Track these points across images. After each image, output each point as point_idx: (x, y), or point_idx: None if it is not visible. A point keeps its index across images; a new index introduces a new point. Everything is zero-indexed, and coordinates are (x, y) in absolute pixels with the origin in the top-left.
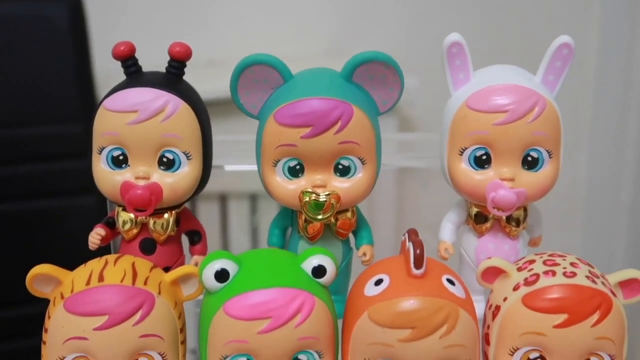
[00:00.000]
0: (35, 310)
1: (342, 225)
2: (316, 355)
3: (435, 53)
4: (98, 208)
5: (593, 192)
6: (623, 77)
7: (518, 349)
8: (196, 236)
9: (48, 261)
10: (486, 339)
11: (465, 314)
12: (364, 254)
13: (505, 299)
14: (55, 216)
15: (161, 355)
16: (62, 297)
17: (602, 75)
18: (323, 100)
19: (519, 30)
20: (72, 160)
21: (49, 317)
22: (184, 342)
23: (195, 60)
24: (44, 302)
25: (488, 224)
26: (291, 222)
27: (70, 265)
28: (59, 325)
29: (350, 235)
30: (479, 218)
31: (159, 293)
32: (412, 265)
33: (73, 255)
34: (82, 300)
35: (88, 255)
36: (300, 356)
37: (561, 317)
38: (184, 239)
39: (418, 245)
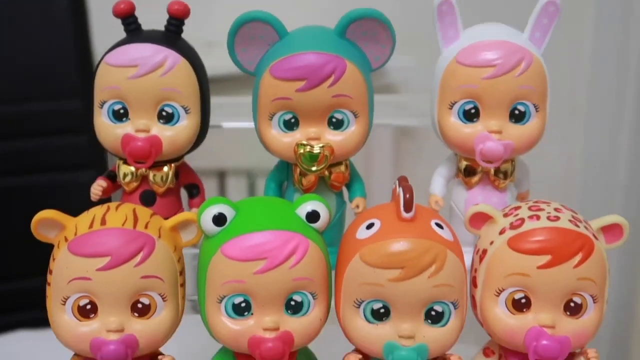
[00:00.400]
0: (37, 284)
1: (336, 178)
2: (310, 297)
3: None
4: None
5: (588, 172)
6: (619, 57)
7: (504, 289)
8: (195, 189)
9: None
10: (473, 282)
11: (452, 255)
12: (357, 206)
13: (491, 243)
14: (55, 191)
15: (161, 296)
16: (66, 240)
17: (599, 51)
18: (317, 54)
19: None
20: (71, 136)
21: (54, 259)
22: (183, 284)
23: (195, 42)
24: (44, 276)
25: (477, 177)
26: (287, 176)
27: None
28: (63, 267)
29: (344, 190)
30: (468, 171)
31: (159, 237)
32: (402, 208)
33: None
34: (86, 242)
35: None
36: (294, 297)
37: (545, 259)
38: (184, 194)
39: (408, 190)
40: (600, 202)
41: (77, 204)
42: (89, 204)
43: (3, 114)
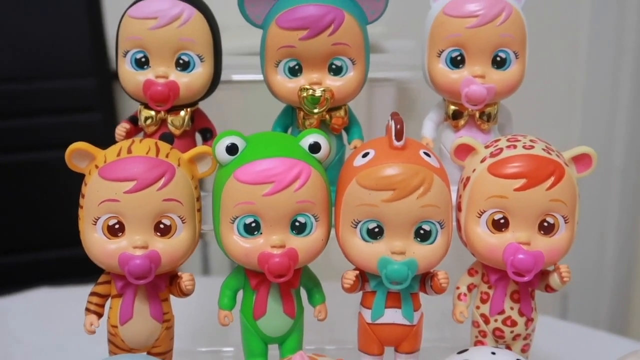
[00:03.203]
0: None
1: (335, 121)
2: (313, 218)
3: None
4: None
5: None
6: (615, 44)
7: (484, 211)
8: (209, 133)
9: (64, 209)
10: (458, 207)
11: (438, 179)
12: (355, 147)
13: (474, 170)
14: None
15: (181, 218)
16: (97, 167)
17: (595, 42)
18: (318, 6)
19: None
20: (85, 114)
21: (86, 184)
22: (199, 210)
23: None
24: (58, 249)
25: (463, 120)
26: (291, 120)
27: None
28: (95, 190)
29: (344, 133)
30: (455, 115)
31: (179, 165)
32: (393, 137)
33: None
34: (114, 168)
35: None
36: (299, 218)
37: (520, 182)
38: (198, 138)
39: (399, 121)
40: (597, 186)
41: None
42: None
43: (18, 91)
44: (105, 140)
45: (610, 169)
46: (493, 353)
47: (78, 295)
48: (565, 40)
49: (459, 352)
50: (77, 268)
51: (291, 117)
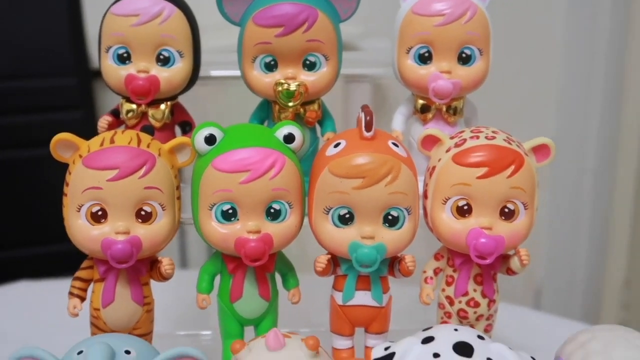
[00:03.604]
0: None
1: (309, 115)
2: (287, 205)
3: None
4: None
5: (559, 157)
6: (589, 45)
7: (449, 198)
8: (188, 126)
9: (46, 206)
10: (425, 195)
11: (406, 168)
12: (328, 139)
13: (439, 160)
14: (50, 163)
15: (161, 205)
16: (81, 156)
17: (570, 38)
18: (293, 4)
19: None
20: (67, 112)
21: (70, 173)
22: (179, 198)
23: None
24: (40, 246)
25: (431, 114)
26: (267, 114)
27: None
28: (79, 178)
29: (317, 127)
30: (423, 108)
31: (159, 155)
32: (363, 128)
33: None
34: (98, 157)
35: None
36: (274, 205)
37: (483, 170)
38: (178, 132)
39: (368, 113)
40: (570, 185)
41: None
42: None
43: (2, 89)
44: (86, 137)
45: (584, 169)
46: (456, 329)
47: (58, 287)
48: (540, 42)
49: (424, 330)
50: (62, 264)
51: (267, 111)
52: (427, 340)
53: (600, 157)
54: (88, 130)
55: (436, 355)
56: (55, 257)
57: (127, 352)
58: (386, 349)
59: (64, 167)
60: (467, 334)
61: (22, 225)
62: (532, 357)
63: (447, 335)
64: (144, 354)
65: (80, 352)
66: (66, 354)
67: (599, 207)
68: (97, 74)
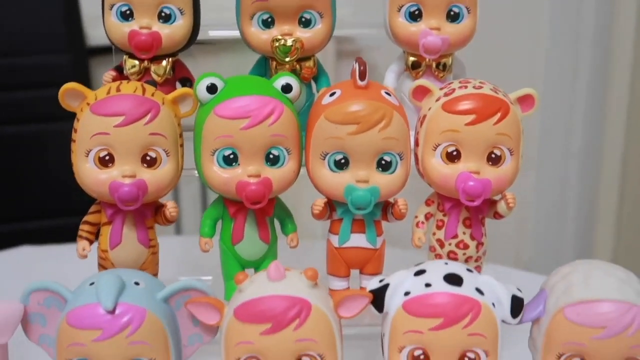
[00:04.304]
0: (30, 226)
1: (305, 71)
2: (285, 151)
3: None
4: None
5: (545, 142)
6: (574, 32)
7: (439, 144)
8: (188, 82)
9: (41, 180)
10: (416, 142)
11: (398, 115)
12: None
13: (429, 109)
14: (46, 139)
15: (165, 151)
16: (88, 104)
17: (556, 24)
18: None
19: None
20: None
21: (78, 120)
22: (182, 145)
23: None
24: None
25: (421, 70)
26: (264, 70)
27: (65, 182)
28: (87, 125)
29: (313, 84)
30: (414, 65)
31: (163, 104)
32: (357, 77)
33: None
34: (105, 104)
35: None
36: (273, 151)
37: (470, 117)
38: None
39: (362, 63)
40: (556, 169)
41: (66, 151)
42: None
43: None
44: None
45: (568, 154)
46: (446, 263)
47: (59, 253)
48: (526, 31)
49: (417, 265)
50: (61, 238)
51: (264, 67)
52: (419, 272)
53: (586, 141)
54: None
55: (428, 285)
56: (54, 230)
57: (136, 283)
58: (380, 281)
59: (59, 143)
60: (456, 267)
61: (19, 200)
62: (518, 289)
63: (437, 268)
64: (151, 286)
65: (92, 284)
66: (78, 287)
67: (585, 191)
68: (92, 51)
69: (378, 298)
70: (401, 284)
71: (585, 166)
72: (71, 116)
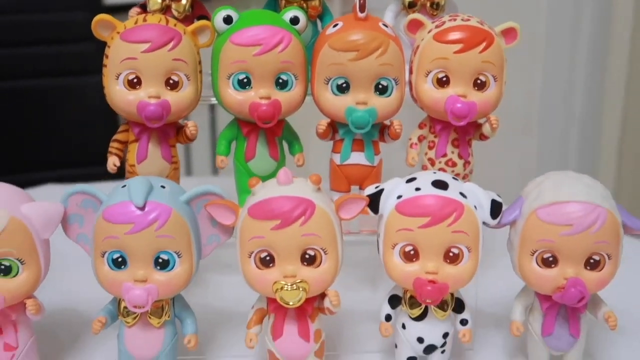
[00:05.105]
0: (46, 176)
1: (312, 9)
2: (293, 77)
3: None
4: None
5: (547, 105)
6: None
7: (430, 71)
8: (205, 20)
9: (55, 131)
10: (410, 71)
11: (393, 44)
12: None
13: (422, 40)
14: (65, 92)
15: (186, 76)
16: (118, 33)
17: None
18: None
19: None
20: (78, 44)
21: (109, 47)
22: (201, 72)
23: None
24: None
25: (417, 9)
26: (275, 9)
27: (79, 136)
28: (117, 51)
29: (318, 22)
30: (410, 4)
31: (184, 34)
32: (357, 9)
33: (79, 126)
34: (133, 33)
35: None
36: (282, 76)
37: (458, 46)
38: None
39: None
40: (558, 133)
41: (80, 104)
42: (95, 105)
43: (15, 22)
44: (98, 68)
45: (570, 116)
46: (434, 173)
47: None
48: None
49: (409, 175)
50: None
51: (274, 7)
52: (411, 180)
53: (586, 106)
54: (99, 62)
55: (417, 189)
56: (63, 181)
57: (162, 186)
58: (376, 187)
59: (72, 98)
60: (443, 175)
61: (37, 151)
62: (498, 195)
63: (427, 176)
64: (175, 190)
65: (124, 186)
66: (112, 190)
67: (586, 154)
68: (110, 9)
69: (374, 201)
70: (394, 189)
71: (586, 130)
72: (93, 71)
